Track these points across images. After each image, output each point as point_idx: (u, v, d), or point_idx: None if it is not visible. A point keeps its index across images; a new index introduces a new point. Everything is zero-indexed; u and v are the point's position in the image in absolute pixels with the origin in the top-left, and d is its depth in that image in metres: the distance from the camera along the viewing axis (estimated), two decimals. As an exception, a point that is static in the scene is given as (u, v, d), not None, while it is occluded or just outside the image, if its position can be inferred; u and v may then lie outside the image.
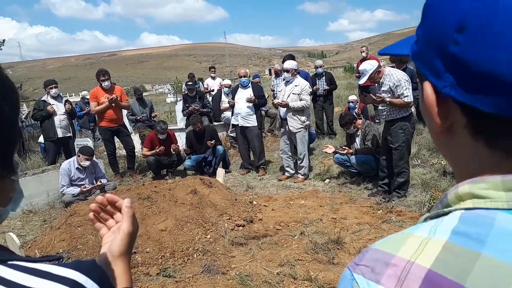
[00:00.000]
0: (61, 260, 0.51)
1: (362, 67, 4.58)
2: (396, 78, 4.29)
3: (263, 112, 8.04)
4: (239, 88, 6.44)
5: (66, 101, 6.82)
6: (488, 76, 0.38)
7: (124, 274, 0.70)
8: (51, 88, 6.54)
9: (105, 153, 6.84)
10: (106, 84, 6.33)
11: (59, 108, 6.55)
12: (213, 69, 10.89)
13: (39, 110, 6.45)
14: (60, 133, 6.54)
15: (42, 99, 6.60)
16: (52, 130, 6.47)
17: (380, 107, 4.53)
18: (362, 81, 4.60)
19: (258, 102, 6.25)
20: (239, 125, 6.40)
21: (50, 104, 6.46)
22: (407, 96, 4.23)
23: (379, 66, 4.51)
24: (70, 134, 6.79)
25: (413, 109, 8.04)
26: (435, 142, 0.50)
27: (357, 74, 9.08)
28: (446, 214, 0.43)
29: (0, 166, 0.50)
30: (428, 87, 0.44)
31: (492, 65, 0.37)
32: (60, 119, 6.55)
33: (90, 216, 0.80)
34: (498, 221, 0.38)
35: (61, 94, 6.96)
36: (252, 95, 6.20)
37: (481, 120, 0.40)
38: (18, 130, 0.53)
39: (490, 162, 0.42)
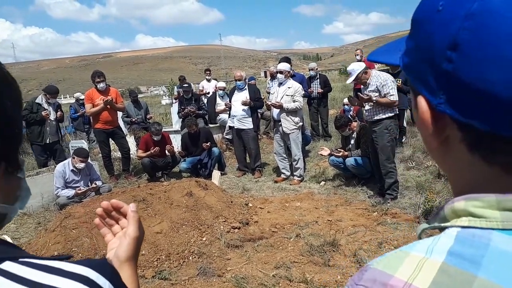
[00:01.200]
0: (71, 259, 0.51)
1: (350, 67, 4.71)
2: (382, 78, 4.46)
3: (258, 114, 8.06)
4: (236, 90, 6.45)
5: (58, 106, 6.73)
6: (483, 94, 0.37)
7: (131, 278, 0.70)
8: (53, 97, 6.44)
9: (100, 155, 6.80)
10: (101, 85, 6.30)
11: (51, 114, 6.41)
12: (208, 72, 10.89)
13: (32, 112, 6.22)
14: (48, 140, 6.40)
15: (36, 101, 6.36)
16: (40, 135, 6.30)
17: (366, 107, 4.60)
18: (349, 80, 4.74)
19: (255, 105, 6.27)
20: (235, 127, 6.41)
21: (45, 109, 6.29)
22: (393, 95, 4.40)
23: (367, 67, 4.64)
24: (58, 138, 6.70)
25: (407, 112, 8.14)
26: (430, 154, 0.49)
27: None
28: (443, 229, 0.42)
29: (4, 163, 0.50)
30: (422, 102, 0.43)
31: (487, 84, 0.37)
32: (50, 125, 6.40)
33: (96, 221, 0.80)
34: (493, 242, 0.38)
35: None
36: (248, 97, 6.21)
37: (478, 137, 0.40)
38: (21, 126, 0.53)
39: (486, 178, 0.41)
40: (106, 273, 0.50)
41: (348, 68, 4.81)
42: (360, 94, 4.55)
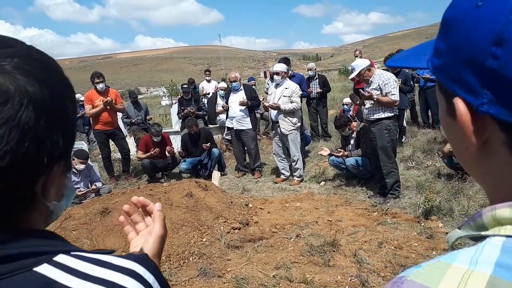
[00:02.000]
0: (113, 252, 0.54)
1: (354, 63, 4.75)
2: (385, 77, 4.46)
3: (258, 115, 8.06)
4: (231, 91, 6.47)
5: None
6: None
7: None
8: None
9: (100, 156, 6.80)
10: (100, 86, 6.30)
11: None
12: (208, 72, 10.89)
13: None
14: None
15: None
16: None
17: (367, 105, 4.60)
18: (352, 75, 4.76)
19: (252, 104, 6.27)
20: (234, 128, 6.42)
21: None
22: (394, 94, 4.39)
23: (370, 65, 4.63)
24: None
25: (407, 112, 8.14)
26: (462, 161, 0.46)
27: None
28: (482, 237, 0.39)
29: (64, 162, 0.52)
30: (460, 104, 0.41)
31: None
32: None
33: (121, 219, 0.81)
34: None
35: None
36: (245, 97, 6.22)
37: None
38: (76, 128, 0.55)
39: None
40: (150, 267, 0.52)
41: (352, 64, 4.84)
42: (362, 91, 4.55)
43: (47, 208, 0.53)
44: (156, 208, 0.77)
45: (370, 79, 4.56)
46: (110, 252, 0.53)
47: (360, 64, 4.59)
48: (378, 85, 4.46)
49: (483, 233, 0.39)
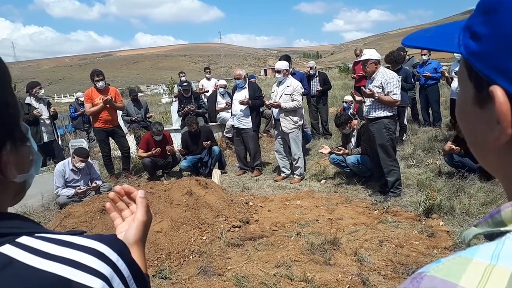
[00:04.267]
0: (84, 233, 0.56)
1: (366, 50, 4.72)
2: (388, 76, 4.42)
3: (259, 113, 8.04)
4: (236, 89, 6.45)
5: (48, 103, 6.76)
6: None
7: (139, 259, 0.73)
8: (39, 89, 6.47)
9: (100, 154, 6.79)
10: (100, 84, 6.28)
11: (43, 111, 6.46)
12: (208, 70, 10.88)
13: (25, 114, 6.22)
14: (46, 138, 6.48)
15: (26, 102, 6.40)
16: (37, 135, 6.33)
17: (367, 102, 4.58)
18: (360, 59, 4.74)
19: (254, 103, 6.24)
20: (235, 126, 6.40)
21: (35, 107, 6.33)
22: (396, 94, 4.37)
23: (379, 62, 4.58)
24: (54, 138, 6.74)
25: (408, 110, 8.12)
26: (482, 153, 0.45)
27: (353, 75, 9.11)
28: (501, 233, 0.39)
29: (10, 142, 0.53)
30: (500, 93, 0.39)
31: None
32: (45, 123, 6.47)
33: (107, 205, 0.85)
34: None
35: (43, 97, 6.86)
36: (247, 96, 6.19)
37: None
38: (14, 105, 0.55)
39: None
40: (115, 247, 0.54)
41: (364, 50, 4.83)
42: (363, 88, 4.53)
43: (14, 184, 0.55)
44: (138, 195, 0.81)
45: (373, 75, 4.53)
46: (81, 232, 0.54)
47: (372, 54, 4.56)
48: (381, 83, 4.42)
49: (502, 228, 0.39)
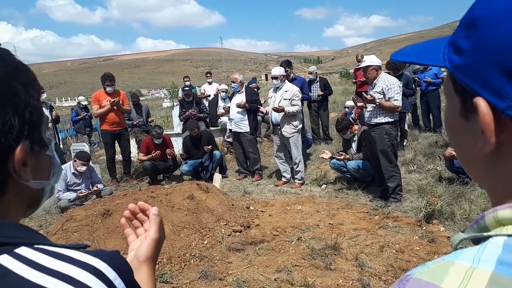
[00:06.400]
0: (87, 248, 0.55)
1: (367, 57, 4.73)
2: (390, 82, 4.43)
3: (259, 117, 8.06)
4: (234, 93, 6.50)
5: (51, 106, 6.80)
6: None
7: (148, 278, 0.73)
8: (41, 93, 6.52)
9: (102, 158, 6.81)
10: (109, 89, 6.35)
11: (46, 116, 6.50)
12: (209, 75, 10.92)
13: None
14: None
15: None
16: None
17: (368, 108, 4.59)
18: (360, 66, 4.75)
19: (250, 107, 6.27)
20: (233, 130, 6.45)
21: None
22: (397, 100, 4.38)
23: (380, 67, 4.59)
24: (56, 141, 6.76)
25: (409, 115, 8.14)
26: (469, 162, 0.47)
27: (354, 80, 9.14)
28: (485, 238, 0.40)
29: (28, 142, 0.53)
30: (483, 104, 0.40)
31: None
32: (48, 127, 6.50)
33: (122, 222, 0.83)
34: None
35: (46, 100, 6.91)
36: (244, 100, 6.23)
37: None
38: (37, 108, 0.56)
39: None
40: (114, 264, 0.51)
41: (365, 56, 4.85)
42: (365, 94, 4.54)
43: (29, 190, 0.55)
44: (152, 212, 0.80)
45: (375, 81, 4.55)
46: (84, 246, 0.53)
47: (372, 60, 4.58)
48: (382, 89, 4.43)
49: (485, 234, 0.40)
